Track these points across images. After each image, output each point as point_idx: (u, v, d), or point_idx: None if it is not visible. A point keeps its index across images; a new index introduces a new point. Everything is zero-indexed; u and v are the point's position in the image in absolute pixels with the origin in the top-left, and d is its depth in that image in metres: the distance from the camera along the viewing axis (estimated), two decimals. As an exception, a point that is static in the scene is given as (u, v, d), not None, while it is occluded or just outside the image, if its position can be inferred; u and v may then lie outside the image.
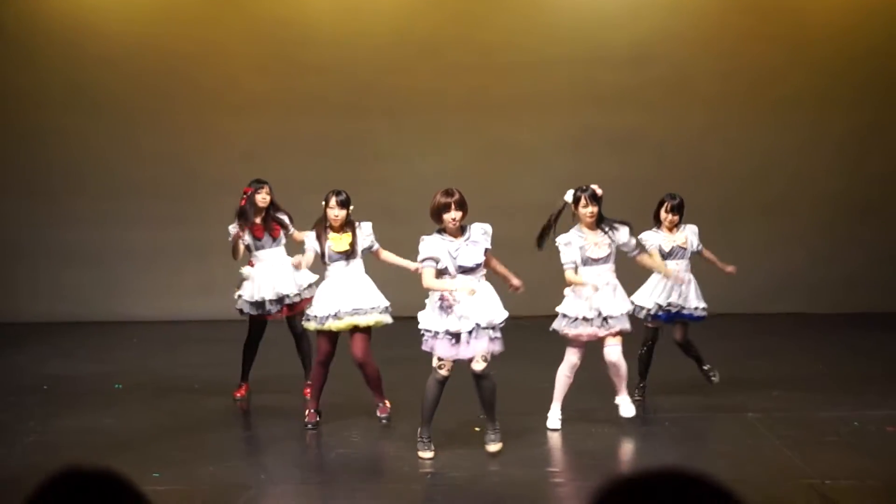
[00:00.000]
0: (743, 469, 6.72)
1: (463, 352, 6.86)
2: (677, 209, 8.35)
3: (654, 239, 8.35)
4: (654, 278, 8.41)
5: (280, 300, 8.47)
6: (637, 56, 13.19)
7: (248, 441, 7.98)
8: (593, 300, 7.41)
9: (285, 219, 8.64)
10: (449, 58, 13.23)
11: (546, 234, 7.50)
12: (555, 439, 7.42)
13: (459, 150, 13.29)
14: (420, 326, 6.97)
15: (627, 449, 7.36)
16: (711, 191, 12.45)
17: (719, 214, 12.49)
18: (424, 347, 6.98)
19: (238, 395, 8.79)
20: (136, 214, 13.27)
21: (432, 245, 6.93)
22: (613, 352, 7.52)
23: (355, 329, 7.56)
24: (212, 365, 10.17)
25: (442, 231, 6.98)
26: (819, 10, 13.40)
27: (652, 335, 8.47)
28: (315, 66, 13.20)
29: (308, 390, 8.62)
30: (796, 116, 13.30)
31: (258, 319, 8.60)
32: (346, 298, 7.56)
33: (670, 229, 8.36)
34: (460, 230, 6.98)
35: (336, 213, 7.64)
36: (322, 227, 7.70)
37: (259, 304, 8.48)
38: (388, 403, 7.81)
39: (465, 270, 6.90)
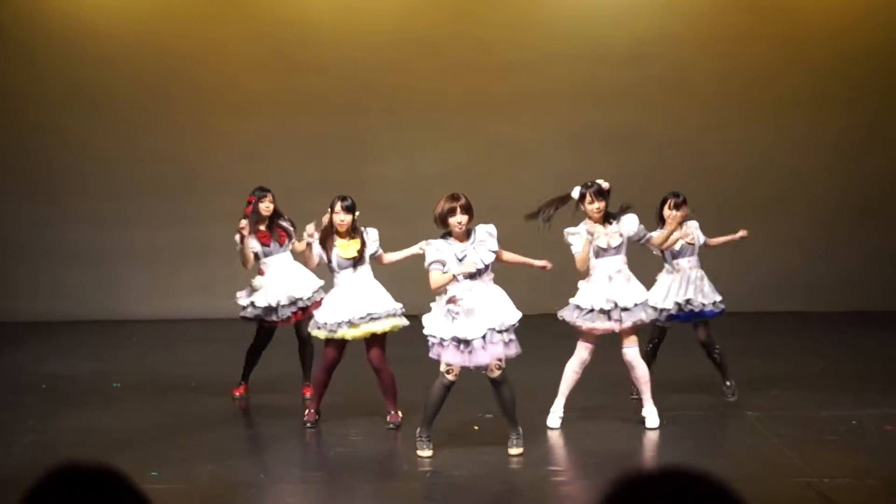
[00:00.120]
0: (742, 468, 6.72)
1: (477, 358, 6.82)
2: (682, 206, 8.35)
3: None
4: (664, 278, 8.39)
5: (293, 303, 8.47)
6: (636, 55, 13.19)
7: (247, 440, 7.98)
8: (608, 291, 7.40)
9: (289, 227, 8.64)
10: (448, 56, 13.23)
11: (543, 212, 7.48)
12: (555, 438, 7.42)
13: (459, 149, 13.29)
14: (425, 332, 6.94)
15: (627, 448, 7.36)
16: (710, 190, 12.44)
17: (718, 214, 12.48)
18: (431, 354, 6.94)
19: (237, 393, 8.78)
20: (135, 214, 13.26)
21: (438, 248, 6.93)
22: (630, 352, 7.52)
23: (372, 335, 7.55)
24: (211, 364, 10.17)
25: (447, 235, 6.97)
26: (817, 9, 13.40)
27: (659, 333, 8.44)
28: (315, 66, 13.19)
29: (307, 390, 8.62)
30: (794, 116, 13.30)
31: (267, 326, 8.59)
32: (359, 305, 7.50)
33: (680, 228, 8.35)
34: (466, 234, 6.98)
35: (342, 218, 7.60)
36: (329, 233, 7.65)
37: (272, 310, 8.47)
38: (400, 414, 7.75)
39: (472, 274, 6.89)
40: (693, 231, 8.46)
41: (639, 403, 7.78)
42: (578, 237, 7.50)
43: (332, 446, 7.42)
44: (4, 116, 13.30)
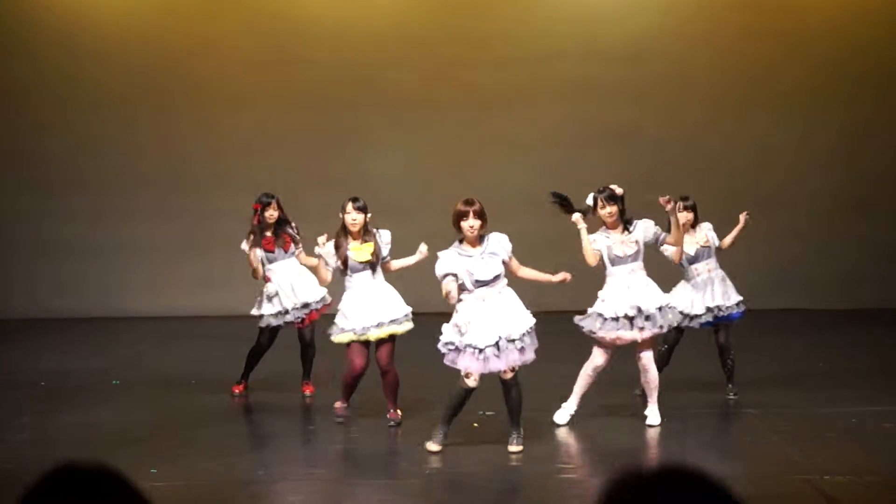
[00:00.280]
0: (741, 465, 6.71)
1: (492, 365, 6.84)
2: (691, 207, 8.33)
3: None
4: (684, 287, 8.36)
5: (305, 305, 8.48)
6: (635, 51, 13.19)
7: (247, 437, 7.98)
8: (629, 298, 7.38)
9: (295, 233, 8.62)
10: (446, 52, 13.23)
11: (567, 204, 7.46)
12: (555, 435, 7.41)
13: (457, 145, 13.29)
14: (441, 339, 6.96)
15: (628, 445, 7.35)
16: (709, 186, 12.44)
17: (717, 209, 12.47)
18: (445, 361, 6.96)
19: (236, 390, 8.78)
20: (133, 209, 13.26)
21: (448, 261, 6.95)
22: (645, 356, 7.51)
23: (391, 335, 7.56)
24: (210, 361, 10.16)
25: (461, 241, 6.97)
26: (816, 5, 13.40)
27: (675, 336, 8.40)
28: (312, 61, 13.19)
29: (306, 388, 8.65)
30: (794, 112, 13.31)
31: (272, 330, 8.60)
32: (382, 308, 7.51)
33: (687, 229, 8.32)
34: (478, 240, 6.97)
35: (354, 218, 7.58)
36: (342, 236, 7.64)
37: (283, 314, 8.48)
38: (399, 413, 7.76)
39: (482, 284, 6.90)
40: (707, 233, 8.41)
41: (642, 400, 7.76)
42: (594, 244, 7.50)
43: (332, 443, 7.41)
44: (2, 111, 13.28)
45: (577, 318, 7.56)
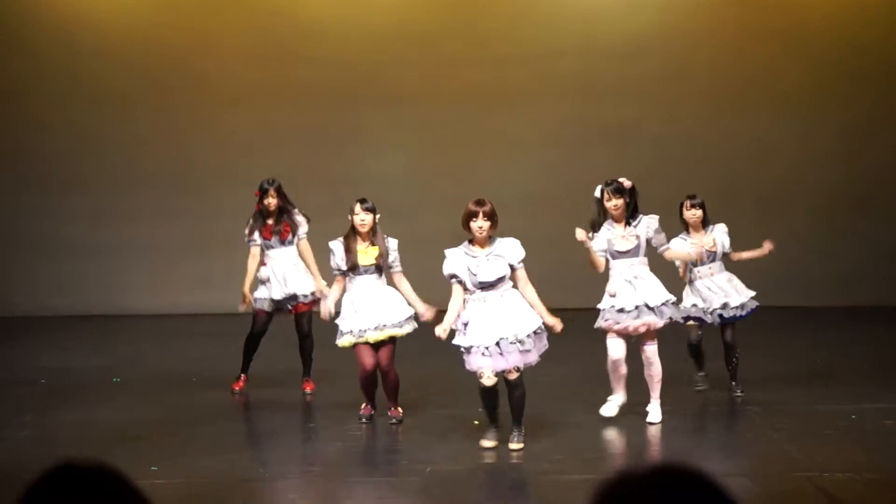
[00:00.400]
0: (741, 462, 6.73)
1: (496, 364, 6.84)
2: (700, 205, 8.33)
3: (682, 247, 8.28)
4: (689, 289, 8.37)
5: (292, 297, 8.49)
6: (634, 48, 13.19)
7: (247, 434, 7.99)
8: (632, 295, 7.38)
9: (300, 219, 8.57)
10: (446, 50, 13.23)
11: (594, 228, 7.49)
12: (555, 433, 7.41)
13: (457, 142, 13.29)
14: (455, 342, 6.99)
15: (628, 443, 7.36)
16: (708, 183, 12.40)
17: (716, 207, 12.47)
18: (466, 366, 6.98)
19: (236, 387, 8.77)
20: (133, 207, 13.26)
21: (452, 261, 6.96)
22: (649, 349, 7.50)
23: (391, 337, 7.56)
24: (210, 359, 10.17)
25: (470, 241, 6.98)
26: (815, 3, 13.41)
27: (695, 337, 8.41)
28: (313, 59, 13.19)
29: (307, 385, 8.65)
30: (793, 109, 13.30)
31: (262, 315, 8.61)
32: (382, 310, 7.51)
33: (697, 228, 8.31)
34: (488, 241, 6.97)
35: (362, 219, 7.59)
36: (352, 238, 7.64)
37: (271, 302, 8.52)
38: (400, 410, 7.77)
39: (485, 286, 6.89)
40: (717, 237, 8.35)
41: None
42: (596, 240, 7.50)
43: (332, 441, 7.41)
44: (2, 109, 13.28)
45: (596, 325, 7.55)
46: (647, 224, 7.48)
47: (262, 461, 7.01)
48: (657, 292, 7.45)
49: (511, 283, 7.00)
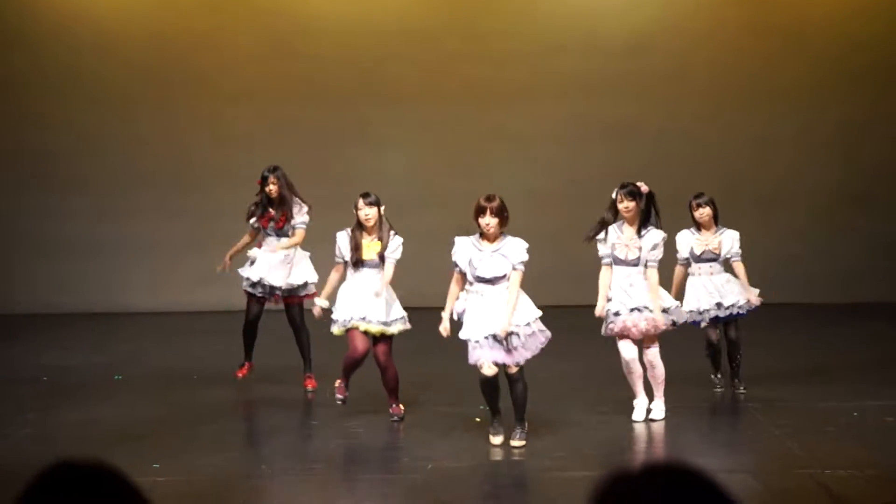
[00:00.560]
0: (743, 459, 6.73)
1: (492, 354, 6.85)
2: (707, 203, 8.31)
3: (686, 240, 8.30)
4: (690, 283, 8.37)
5: (271, 289, 8.51)
6: (635, 46, 13.19)
7: (249, 432, 7.99)
8: (630, 299, 7.37)
9: (297, 208, 8.53)
10: (447, 47, 13.23)
11: (600, 229, 7.48)
12: (557, 430, 7.41)
13: (458, 139, 13.29)
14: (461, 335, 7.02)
15: (628, 440, 7.36)
16: (708, 181, 12.37)
17: (717, 204, 12.50)
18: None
19: (240, 374, 8.76)
20: (134, 204, 13.25)
21: (458, 249, 7.01)
22: (650, 352, 7.51)
23: (383, 334, 7.57)
24: (211, 356, 10.17)
25: (481, 234, 6.99)
26: (815, 0, 13.40)
27: (715, 335, 8.40)
28: (314, 56, 13.19)
29: (308, 382, 8.65)
30: (793, 106, 13.30)
31: (253, 300, 8.63)
32: (374, 306, 7.52)
33: (708, 227, 8.30)
34: (498, 237, 6.97)
35: (367, 213, 7.60)
36: (358, 233, 7.64)
37: (255, 285, 8.54)
38: (401, 407, 7.76)
39: (484, 281, 6.90)
40: (724, 241, 8.31)
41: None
42: (601, 244, 7.51)
43: (334, 438, 7.42)
44: (1, 104, 13.28)
45: (602, 333, 7.56)
46: (651, 239, 7.44)
47: (264, 458, 7.02)
48: (652, 298, 7.44)
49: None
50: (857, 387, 8.57)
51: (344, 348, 7.72)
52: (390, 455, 7.14)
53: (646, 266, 7.43)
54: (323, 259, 8.21)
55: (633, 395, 7.60)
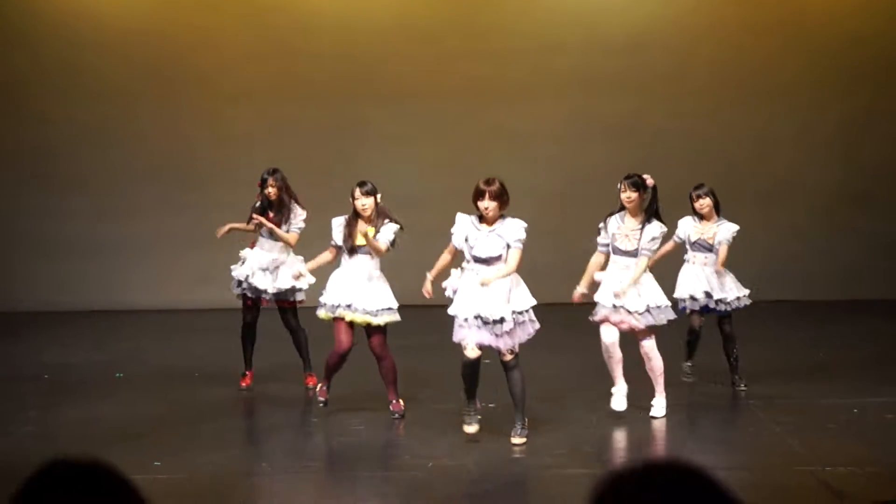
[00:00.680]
0: (744, 456, 6.74)
1: (476, 336, 6.83)
2: (707, 194, 8.32)
3: (686, 225, 8.36)
4: (683, 270, 8.37)
5: (256, 290, 8.52)
6: (635, 43, 13.18)
7: (249, 429, 7.99)
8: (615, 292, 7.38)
9: (295, 212, 8.52)
10: (447, 44, 13.22)
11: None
12: (558, 427, 7.42)
13: (458, 137, 13.29)
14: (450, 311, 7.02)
15: (631, 437, 7.36)
16: (708, 178, 12.28)
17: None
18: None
19: (244, 384, 8.77)
20: (134, 202, 13.25)
21: (458, 226, 7.02)
22: (646, 344, 7.50)
23: (370, 325, 7.56)
24: (212, 354, 10.17)
25: (481, 217, 7.00)
26: (816, -3, 13.42)
27: (698, 322, 8.40)
28: (314, 53, 13.18)
29: (309, 380, 8.65)
30: (793, 104, 13.30)
31: (247, 304, 8.64)
32: (360, 294, 7.53)
33: (709, 217, 8.31)
34: (497, 219, 6.96)
35: (363, 203, 7.61)
36: (353, 221, 7.64)
37: (241, 284, 8.58)
38: (401, 402, 7.76)
39: (479, 260, 6.91)
40: (719, 232, 8.29)
41: (649, 393, 7.74)
42: (601, 232, 7.52)
43: (335, 436, 7.42)
44: (2, 103, 13.28)
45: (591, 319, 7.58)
46: (650, 231, 7.42)
47: (264, 456, 7.02)
48: (641, 297, 7.41)
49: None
50: (858, 384, 8.58)
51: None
52: (391, 453, 7.15)
53: (638, 254, 7.43)
54: (320, 248, 8.20)
55: (612, 383, 7.57)
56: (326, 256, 7.79)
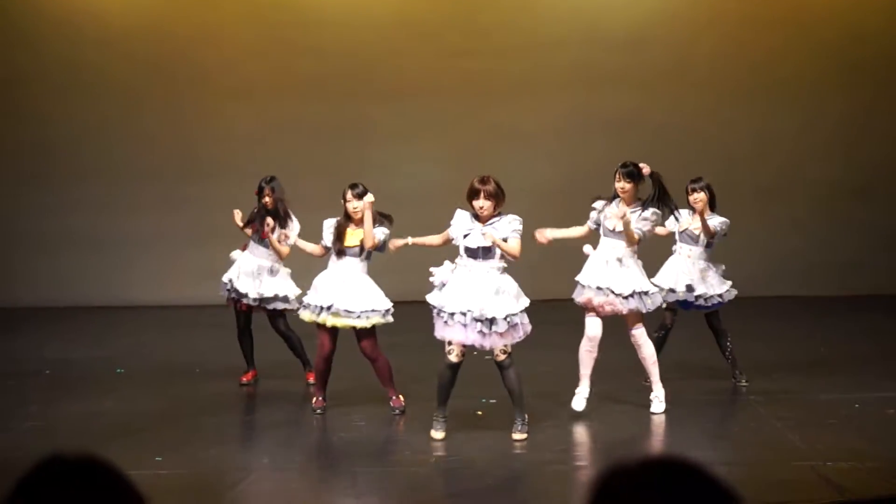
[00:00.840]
0: (744, 451, 6.74)
1: (456, 333, 6.81)
2: (702, 188, 8.27)
3: (680, 219, 8.26)
4: (670, 261, 8.37)
5: (238, 293, 8.53)
6: (635, 38, 13.18)
7: (250, 425, 7.99)
8: (602, 276, 7.35)
9: (283, 232, 8.49)
10: (448, 41, 13.22)
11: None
12: (558, 423, 7.41)
13: (459, 133, 13.29)
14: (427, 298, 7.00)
15: (632, 433, 7.36)
16: (709, 173, 12.24)
17: (718, 197, 12.47)
18: (434, 332, 6.99)
19: (245, 379, 8.79)
20: (136, 198, 13.27)
21: (457, 218, 7.00)
22: (637, 333, 7.47)
23: (355, 327, 7.54)
24: (213, 350, 10.18)
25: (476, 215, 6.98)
26: (817, -8, 13.41)
27: (671, 319, 8.37)
28: (315, 50, 13.18)
29: (310, 376, 8.64)
30: (794, 99, 13.30)
31: (237, 308, 8.67)
32: (345, 296, 7.49)
33: (700, 212, 8.27)
34: (492, 217, 6.93)
35: (355, 206, 7.58)
36: (344, 223, 7.63)
37: (225, 285, 8.61)
38: (401, 398, 7.75)
39: (471, 253, 6.89)
40: (712, 222, 8.22)
41: (648, 388, 7.73)
42: (593, 212, 7.50)
43: (336, 432, 7.42)
44: (3, 100, 13.28)
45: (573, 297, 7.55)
46: (643, 214, 7.38)
47: (265, 452, 7.03)
48: (628, 280, 7.36)
49: (502, 264, 6.95)
50: (858, 379, 8.58)
51: (346, 347, 7.74)
52: (392, 448, 7.15)
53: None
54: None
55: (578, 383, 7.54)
56: (315, 249, 7.77)
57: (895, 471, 6.31)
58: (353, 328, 7.50)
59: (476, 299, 6.79)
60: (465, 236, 6.90)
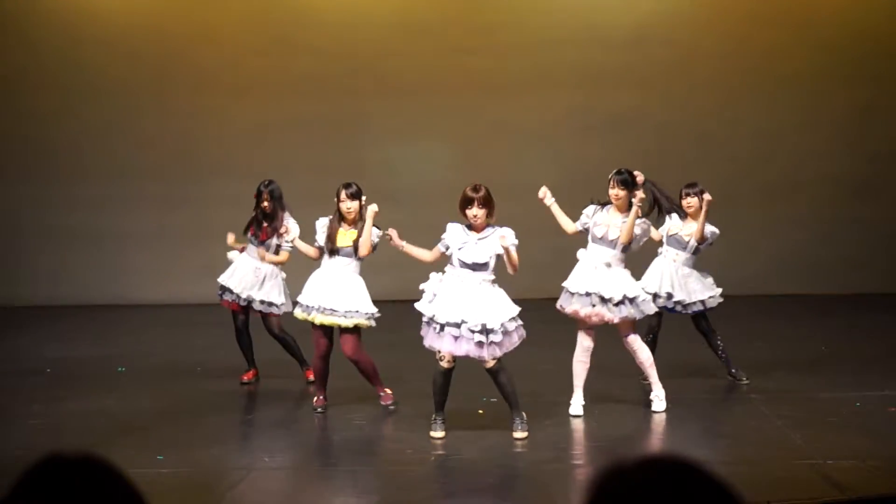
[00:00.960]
0: (745, 450, 6.73)
1: (447, 344, 6.81)
2: (696, 194, 8.22)
3: (670, 223, 8.25)
4: (655, 263, 8.35)
5: (230, 293, 8.55)
6: (638, 36, 13.17)
7: (251, 424, 7.99)
8: (590, 282, 7.33)
9: (286, 226, 8.47)
10: (450, 39, 13.21)
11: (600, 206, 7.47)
12: (559, 422, 7.42)
13: (460, 132, 13.29)
14: (417, 307, 7.00)
15: (632, 431, 7.37)
16: (712, 172, 12.43)
17: (720, 196, 12.45)
18: (424, 342, 7.00)
19: (245, 378, 8.80)
20: (136, 197, 13.27)
21: (450, 231, 6.99)
22: (630, 339, 7.46)
23: (339, 326, 7.56)
24: (214, 348, 10.18)
25: (469, 225, 6.98)
26: (819, -10, 13.40)
27: (657, 322, 8.36)
28: (315, 48, 13.18)
29: (309, 374, 8.65)
30: (797, 97, 13.29)
31: (233, 309, 8.67)
32: (335, 296, 7.51)
33: (694, 217, 8.23)
34: (486, 227, 6.93)
35: (348, 206, 7.58)
36: (336, 221, 7.63)
37: (219, 285, 8.62)
38: (388, 391, 7.81)
39: (465, 265, 6.89)
40: (706, 230, 8.21)
41: (648, 387, 7.73)
42: (582, 215, 7.48)
43: (337, 431, 7.42)
44: (3, 98, 13.29)
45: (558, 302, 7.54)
46: (640, 226, 7.36)
47: (266, 450, 7.02)
48: (617, 285, 7.33)
49: (493, 276, 6.95)
50: (860, 377, 8.58)
51: (337, 339, 7.76)
52: (393, 446, 7.15)
53: (615, 246, 7.37)
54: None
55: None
56: (311, 251, 7.77)
57: (896, 469, 6.31)
58: (338, 326, 7.52)
59: (471, 310, 6.80)
60: (460, 249, 6.90)
